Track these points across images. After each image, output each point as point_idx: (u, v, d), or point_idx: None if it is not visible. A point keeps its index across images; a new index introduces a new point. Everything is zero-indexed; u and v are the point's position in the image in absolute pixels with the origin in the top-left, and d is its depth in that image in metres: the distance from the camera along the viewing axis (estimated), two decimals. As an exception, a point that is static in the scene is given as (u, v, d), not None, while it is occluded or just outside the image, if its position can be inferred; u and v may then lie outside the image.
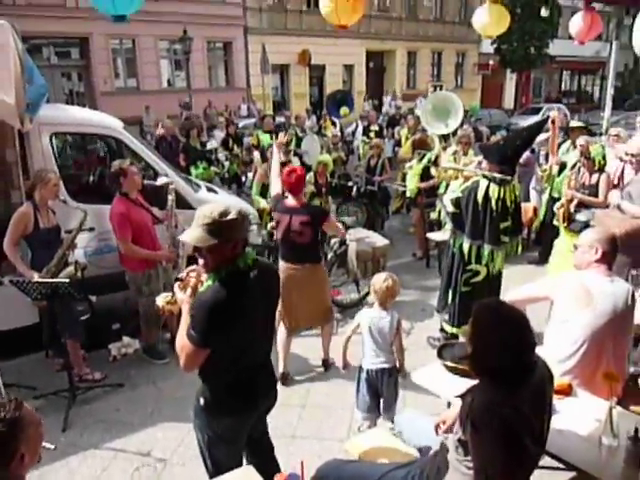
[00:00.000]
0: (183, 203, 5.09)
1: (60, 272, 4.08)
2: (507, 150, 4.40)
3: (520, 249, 4.58)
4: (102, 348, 4.87)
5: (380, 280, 3.40)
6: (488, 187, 4.31)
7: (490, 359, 1.87)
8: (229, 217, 2.18)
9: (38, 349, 4.71)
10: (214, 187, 6.81)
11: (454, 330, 4.62)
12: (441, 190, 6.29)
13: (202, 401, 2.36)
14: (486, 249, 4.39)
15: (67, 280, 3.81)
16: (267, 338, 2.48)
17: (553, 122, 5.42)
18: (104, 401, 4.16)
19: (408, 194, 7.50)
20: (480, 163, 4.52)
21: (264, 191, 6.34)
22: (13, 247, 4.06)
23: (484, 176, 4.36)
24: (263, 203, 6.20)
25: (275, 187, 4.43)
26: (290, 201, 4.19)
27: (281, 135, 4.58)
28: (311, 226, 4.08)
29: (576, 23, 7.73)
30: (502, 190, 4.30)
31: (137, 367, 4.66)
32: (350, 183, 8.62)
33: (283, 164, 8.93)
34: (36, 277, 3.91)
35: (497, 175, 4.29)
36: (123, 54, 18.92)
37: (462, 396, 1.94)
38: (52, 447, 3.55)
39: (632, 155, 5.22)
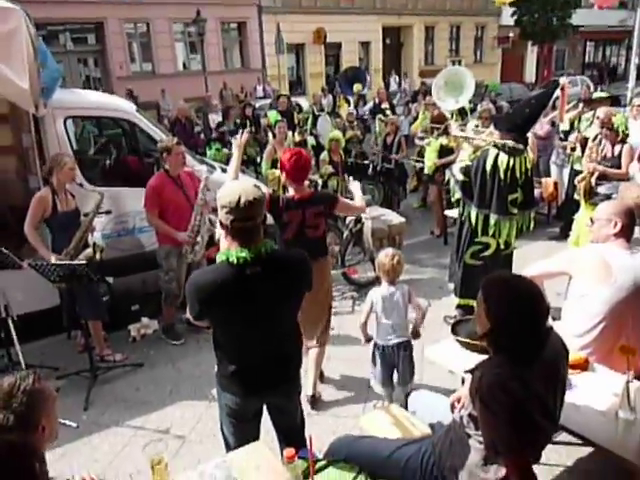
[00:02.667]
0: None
1: (79, 254, 4.14)
2: (516, 118, 4.38)
3: (532, 224, 4.52)
4: (122, 329, 4.96)
5: (387, 259, 3.40)
6: (497, 156, 4.27)
7: (505, 335, 1.85)
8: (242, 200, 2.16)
9: (61, 331, 4.81)
10: (227, 168, 6.81)
11: (460, 301, 4.65)
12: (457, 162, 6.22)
13: (215, 371, 2.43)
14: (492, 218, 4.36)
15: (84, 262, 3.87)
16: (281, 335, 2.38)
17: (562, 89, 5.29)
18: (124, 380, 4.25)
19: (426, 171, 7.44)
20: (492, 133, 4.46)
21: (274, 166, 6.33)
22: (33, 231, 4.14)
23: (494, 145, 4.31)
24: (276, 173, 6.19)
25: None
26: (296, 193, 3.49)
27: (239, 136, 3.77)
28: (324, 216, 3.58)
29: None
30: (512, 160, 4.25)
31: (156, 347, 4.74)
32: (366, 161, 8.57)
33: (298, 144, 9.04)
34: (53, 259, 3.98)
35: (509, 143, 4.22)
36: (138, 38, 18.89)
37: (471, 371, 1.92)
38: (74, 425, 3.64)
39: None
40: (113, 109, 5.19)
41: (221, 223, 2.23)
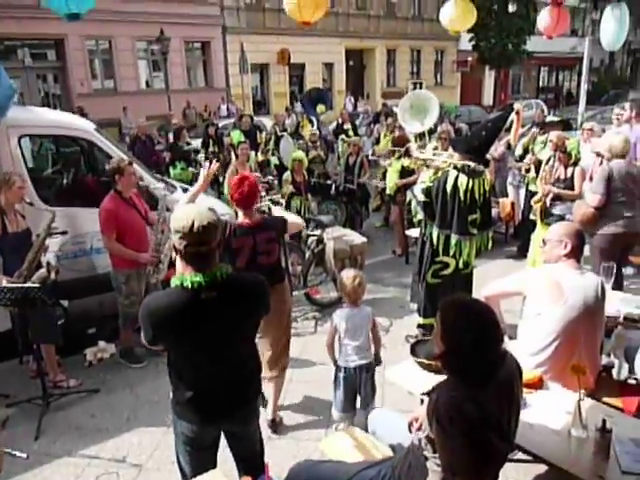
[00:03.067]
0: (157, 204, 5.03)
1: (32, 275, 4.00)
2: (473, 140, 4.51)
3: (490, 244, 4.63)
4: (78, 353, 4.79)
5: (349, 281, 3.40)
6: (457, 178, 4.37)
7: (458, 358, 1.87)
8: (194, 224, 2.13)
9: (12, 356, 4.62)
10: (190, 188, 6.74)
11: (422, 321, 4.68)
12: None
13: (171, 396, 2.38)
14: (453, 239, 4.44)
15: (37, 285, 3.74)
16: (238, 359, 2.34)
17: (517, 113, 5.48)
18: (79, 407, 4.09)
19: (388, 191, 7.53)
20: (452, 155, 4.56)
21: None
22: (-18, 253, 3.99)
23: (454, 167, 4.41)
24: None
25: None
26: (245, 219, 3.41)
27: (206, 165, 3.69)
28: (277, 242, 3.49)
29: (544, 18, 7.85)
30: (471, 182, 4.35)
31: (113, 372, 4.59)
32: (329, 182, 8.63)
33: (260, 164, 9.06)
34: (4, 282, 3.83)
35: (469, 164, 4.32)
36: (100, 55, 18.67)
37: (429, 393, 1.93)
38: (24, 456, 3.46)
39: (597, 155, 5.33)
40: (70, 127, 5.08)
41: (174, 247, 2.19)
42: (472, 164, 4.33)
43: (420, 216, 4.55)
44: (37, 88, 17.62)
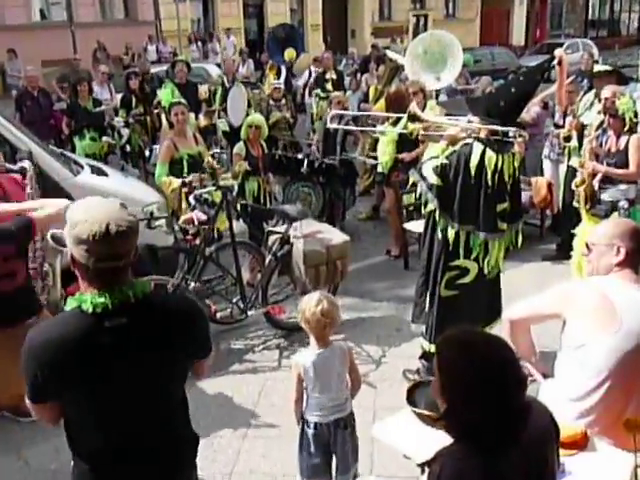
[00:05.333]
0: (55, 191, 4.99)
1: None
2: (499, 100, 4.47)
3: (520, 240, 4.68)
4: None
5: (310, 305, 3.36)
6: (484, 153, 4.37)
7: (464, 416, 1.86)
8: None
9: None
10: (104, 167, 6.69)
11: (429, 348, 4.71)
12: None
13: (72, 467, 2.34)
14: (479, 237, 4.47)
15: None
16: (164, 414, 2.34)
17: (560, 63, 5.51)
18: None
19: (380, 169, 7.53)
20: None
21: (174, 171, 6.24)
22: None
23: (478, 139, 4.41)
24: (175, 183, 6.11)
25: None
26: None
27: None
28: (20, 257, 3.38)
29: None
30: (500, 159, 4.38)
31: (-7, 429, 4.53)
32: (300, 155, 8.65)
33: (204, 130, 9.00)
34: None
35: (497, 129, 4.31)
36: (-26, -26, 18.35)
37: (429, 463, 1.93)
38: None
39: None
40: None
41: (74, 260, 2.15)
42: (498, 130, 4.32)
43: (431, 206, 4.51)
44: None
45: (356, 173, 8.92)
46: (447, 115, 5.62)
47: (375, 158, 7.82)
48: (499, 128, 4.34)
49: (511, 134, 4.35)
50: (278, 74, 12.84)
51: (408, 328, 5.27)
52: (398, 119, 7.06)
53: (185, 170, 6.27)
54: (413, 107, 5.12)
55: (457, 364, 1.90)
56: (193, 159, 6.39)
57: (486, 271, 4.60)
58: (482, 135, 4.40)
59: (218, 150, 7.52)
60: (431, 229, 4.67)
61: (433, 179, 4.42)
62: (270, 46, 12.96)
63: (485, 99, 4.65)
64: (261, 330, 5.77)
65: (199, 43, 20.60)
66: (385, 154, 7.27)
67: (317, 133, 9.25)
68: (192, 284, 5.39)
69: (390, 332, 5.69)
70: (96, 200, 2.23)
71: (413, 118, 5.08)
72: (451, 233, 4.48)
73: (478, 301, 4.66)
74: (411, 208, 7.07)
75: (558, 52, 5.66)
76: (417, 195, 4.70)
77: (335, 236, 5.80)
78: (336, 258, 5.61)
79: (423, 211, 4.75)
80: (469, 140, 4.48)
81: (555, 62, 5.44)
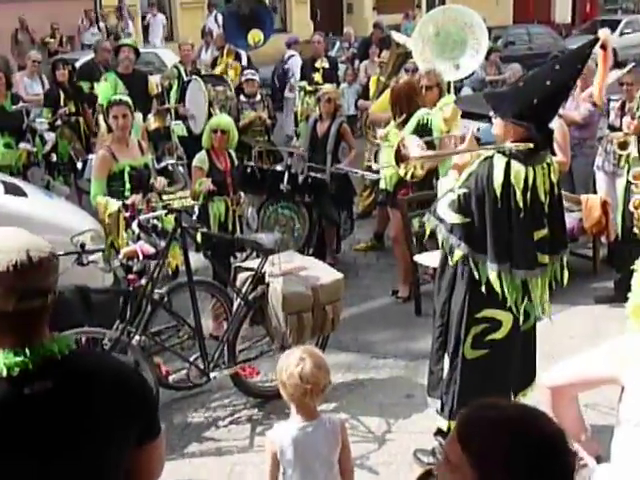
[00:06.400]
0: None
1: None
2: (531, 97, 4.44)
3: (566, 276, 4.65)
4: None
5: (288, 365, 3.35)
6: (508, 167, 4.37)
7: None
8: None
9: None
10: (21, 184, 6.66)
11: (447, 425, 4.65)
12: (442, 177, 6.35)
13: None
14: (517, 277, 4.45)
15: None
16: None
17: (603, 47, 5.53)
18: None
19: (383, 185, 7.55)
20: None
21: (113, 187, 6.22)
22: None
23: (498, 150, 4.42)
24: (112, 205, 6.07)
25: None
26: None
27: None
28: None
29: None
30: (531, 172, 4.38)
31: None
32: (279, 167, 8.66)
33: (153, 136, 8.99)
34: None
35: (521, 145, 4.33)
36: None
37: None
38: None
39: None
40: None
41: None
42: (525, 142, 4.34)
43: (459, 252, 4.49)
44: None
45: (353, 190, 8.94)
46: (464, 116, 5.64)
47: (377, 172, 7.86)
48: (523, 146, 4.35)
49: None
50: (237, 59, 12.66)
51: (421, 394, 5.25)
52: (406, 120, 7.12)
53: (127, 187, 6.25)
54: (388, 135, 5.21)
55: (487, 452, 1.87)
56: (137, 173, 6.37)
57: (521, 322, 4.59)
58: (507, 146, 4.40)
59: (172, 161, 7.53)
60: (449, 265, 4.64)
61: (452, 217, 4.44)
62: (229, 25, 12.72)
63: (512, 95, 4.63)
64: (227, 398, 5.72)
65: (101, 24, 20.12)
66: (390, 168, 7.26)
67: (302, 138, 9.29)
68: (136, 337, 5.31)
69: (397, 399, 5.64)
70: (11, 230, 2.23)
71: (398, 159, 5.16)
72: (492, 276, 4.44)
73: (511, 362, 4.64)
74: (423, 235, 7.03)
75: (603, 33, 5.68)
76: (440, 243, 4.67)
77: (324, 273, 5.77)
78: (326, 302, 5.56)
79: (451, 260, 4.68)
80: (487, 153, 4.50)
81: (598, 45, 5.45)
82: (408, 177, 5.53)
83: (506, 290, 4.46)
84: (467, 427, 1.96)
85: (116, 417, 2.27)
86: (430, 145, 6.19)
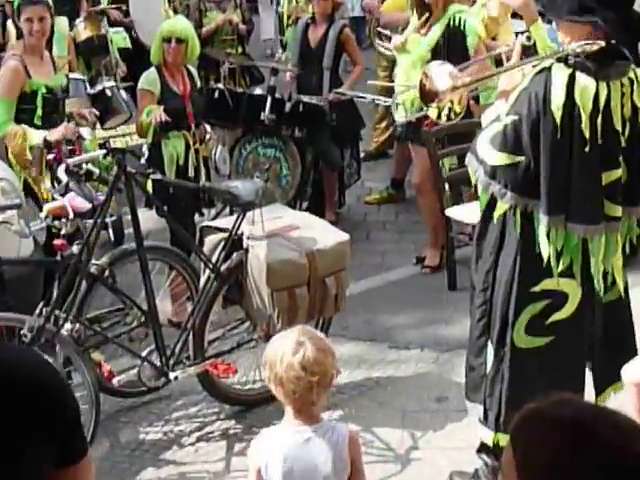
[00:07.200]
0: None
1: None
2: None
3: None
4: None
5: (283, 352, 3.36)
6: (572, 81, 4.36)
7: None
8: None
9: None
10: None
11: (494, 438, 4.67)
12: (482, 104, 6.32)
13: None
14: (574, 233, 4.46)
15: None
16: None
17: None
18: None
19: (402, 114, 7.51)
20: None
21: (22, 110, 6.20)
22: None
23: (558, 59, 4.39)
24: (33, 136, 6.05)
25: None
26: None
27: None
28: None
29: None
30: (604, 88, 4.37)
31: None
32: (258, 90, 8.70)
33: (87, 43, 8.95)
34: None
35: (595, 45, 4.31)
36: None
37: None
38: None
39: None
40: None
41: None
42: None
43: (504, 205, 4.47)
44: None
45: (360, 121, 8.97)
46: (515, 15, 5.61)
47: (390, 93, 7.87)
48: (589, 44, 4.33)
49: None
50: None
51: (457, 396, 5.28)
52: (426, 19, 7.11)
53: (39, 114, 6.27)
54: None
55: (564, 468, 1.88)
56: (54, 97, 6.39)
57: (598, 289, 4.58)
58: (569, 51, 4.37)
59: (111, 84, 7.49)
60: (501, 225, 4.61)
61: (495, 157, 4.43)
62: None
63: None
64: (194, 406, 5.75)
65: None
66: (408, 88, 7.24)
67: (289, 50, 9.27)
68: (67, 326, 5.32)
69: (425, 404, 5.68)
70: None
71: (425, 98, 5.07)
72: (542, 231, 4.44)
73: (582, 352, 4.66)
74: (460, 181, 7.04)
75: None
76: (480, 192, 4.63)
77: (324, 234, 5.77)
78: (326, 273, 5.58)
79: (496, 213, 4.65)
80: (544, 63, 4.46)
81: None
82: (443, 119, 5.45)
83: (554, 252, 4.45)
84: (527, 430, 1.96)
85: (22, 431, 2.30)
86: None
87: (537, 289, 4.54)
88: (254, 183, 6.09)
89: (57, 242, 5.46)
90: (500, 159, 4.37)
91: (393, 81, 7.96)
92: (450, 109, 4.98)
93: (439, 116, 5.13)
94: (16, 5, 7.25)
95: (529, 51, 4.74)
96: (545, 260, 4.44)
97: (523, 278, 4.52)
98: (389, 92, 8.11)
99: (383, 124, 9.54)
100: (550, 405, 2.02)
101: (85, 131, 6.20)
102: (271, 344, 3.49)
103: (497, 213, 4.52)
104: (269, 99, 8.15)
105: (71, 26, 9.16)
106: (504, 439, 4.48)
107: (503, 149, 4.35)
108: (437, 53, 6.86)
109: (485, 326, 4.71)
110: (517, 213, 4.46)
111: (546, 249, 4.42)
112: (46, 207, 5.59)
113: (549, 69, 4.38)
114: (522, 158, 4.37)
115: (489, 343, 4.68)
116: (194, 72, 7.12)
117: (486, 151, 4.41)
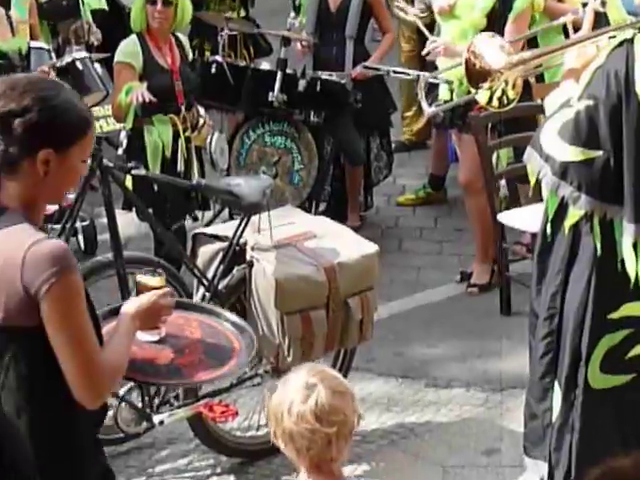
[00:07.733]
0: None
1: None
2: None
3: None
4: None
5: (292, 398, 3.33)
6: None
7: None
8: None
9: None
10: None
11: None
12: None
13: None
14: None
15: None
16: None
17: None
18: None
19: (446, 95, 7.57)
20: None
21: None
22: None
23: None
24: None
25: None
26: None
27: None
28: None
29: None
30: None
31: None
32: (265, 64, 8.73)
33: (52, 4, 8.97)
34: None
35: None
36: None
37: None
38: None
39: None
40: None
41: None
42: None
43: (578, 212, 4.45)
44: None
45: (392, 104, 9.01)
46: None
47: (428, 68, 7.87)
48: None
49: None
50: None
51: (513, 449, 5.28)
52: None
53: None
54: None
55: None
56: (8, 62, 6.36)
57: None
58: None
59: (83, 54, 7.51)
60: (572, 235, 4.60)
61: (565, 153, 4.42)
62: None
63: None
64: (184, 457, 5.75)
65: None
66: (455, 65, 7.22)
67: (303, 14, 9.28)
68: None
69: (472, 458, 5.67)
70: None
71: (472, 79, 5.04)
72: (627, 243, 4.42)
73: None
74: (517, 178, 7.05)
75: None
76: (546, 194, 4.63)
77: (346, 245, 5.77)
78: (349, 293, 5.58)
79: (568, 221, 4.64)
80: (624, 34, 4.45)
81: None
82: (495, 104, 5.41)
83: None
84: None
85: None
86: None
87: (616, 316, 4.51)
88: (259, 180, 6.09)
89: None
90: (572, 154, 4.34)
91: (420, 55, 7.97)
92: (503, 92, 4.97)
93: (490, 101, 5.12)
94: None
95: (601, 20, 4.74)
96: (631, 280, 4.41)
97: (600, 302, 4.49)
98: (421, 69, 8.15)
99: (411, 111, 9.51)
100: (632, 464, 2.00)
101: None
102: (279, 387, 3.44)
103: (568, 222, 4.50)
104: (279, 75, 8.17)
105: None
106: None
107: (575, 142, 4.32)
108: (494, 20, 6.86)
109: (551, 363, 4.68)
110: (594, 221, 4.42)
111: (632, 265, 4.39)
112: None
113: (631, 41, 4.37)
114: (599, 153, 4.34)
115: (556, 384, 4.65)
116: (185, 41, 7.16)
117: (554, 145, 4.37)
